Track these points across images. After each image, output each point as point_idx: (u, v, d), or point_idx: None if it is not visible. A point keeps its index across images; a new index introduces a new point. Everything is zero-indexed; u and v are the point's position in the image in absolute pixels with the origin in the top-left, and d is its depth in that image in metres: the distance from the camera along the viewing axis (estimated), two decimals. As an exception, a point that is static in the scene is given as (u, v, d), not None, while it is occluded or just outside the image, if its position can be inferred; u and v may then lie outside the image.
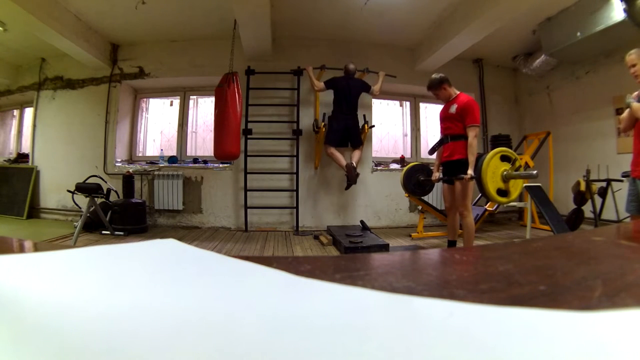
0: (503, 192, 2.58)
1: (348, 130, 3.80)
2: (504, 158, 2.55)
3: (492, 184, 2.50)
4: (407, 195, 3.63)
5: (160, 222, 4.31)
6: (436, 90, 2.64)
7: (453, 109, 2.56)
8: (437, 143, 2.81)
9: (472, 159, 2.47)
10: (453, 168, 2.58)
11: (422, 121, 5.02)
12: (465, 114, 2.50)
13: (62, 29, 3.56)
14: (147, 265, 0.22)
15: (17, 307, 0.15)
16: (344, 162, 3.68)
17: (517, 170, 2.55)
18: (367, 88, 3.86)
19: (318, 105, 4.21)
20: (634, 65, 2.04)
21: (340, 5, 3.61)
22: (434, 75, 2.67)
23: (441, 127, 2.75)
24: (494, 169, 2.50)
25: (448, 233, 2.91)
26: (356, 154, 3.78)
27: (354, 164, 3.63)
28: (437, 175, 2.81)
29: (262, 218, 4.24)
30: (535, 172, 2.46)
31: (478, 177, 2.47)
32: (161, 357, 0.12)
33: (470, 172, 2.44)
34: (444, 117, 2.67)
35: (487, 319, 0.15)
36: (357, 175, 3.65)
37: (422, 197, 3.63)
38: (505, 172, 2.52)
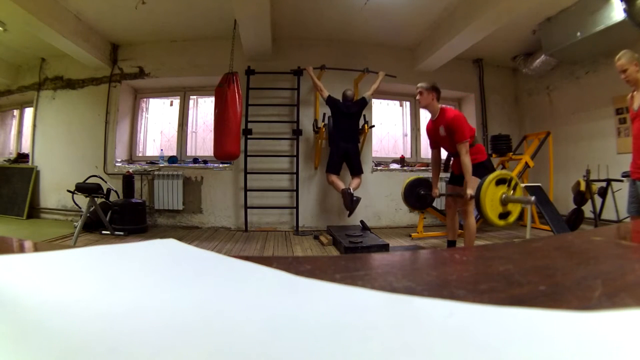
0: (504, 215, 2.53)
1: (348, 156, 3.69)
2: (500, 182, 2.48)
3: (493, 211, 2.44)
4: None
5: (160, 222, 4.31)
6: (425, 91, 2.54)
7: (442, 130, 2.55)
8: (447, 158, 2.83)
9: (468, 178, 2.46)
10: (460, 177, 2.60)
11: (422, 121, 5.02)
12: (452, 132, 2.48)
13: (62, 29, 3.56)
14: (147, 265, 0.22)
15: (17, 307, 0.15)
16: (340, 187, 3.56)
17: (514, 187, 2.51)
18: (364, 104, 3.77)
19: (318, 105, 4.21)
20: (624, 70, 2.03)
21: (340, 6, 3.61)
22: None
23: (431, 142, 2.77)
24: (492, 196, 2.44)
25: (448, 233, 2.91)
26: (355, 182, 3.64)
27: (351, 190, 3.48)
28: (436, 192, 2.85)
29: (262, 218, 4.24)
30: (533, 197, 2.42)
31: (477, 201, 2.43)
32: (161, 357, 0.12)
33: (469, 191, 2.43)
34: (436, 139, 2.67)
35: (487, 319, 0.15)
36: (356, 201, 3.46)
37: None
38: (504, 196, 2.47)
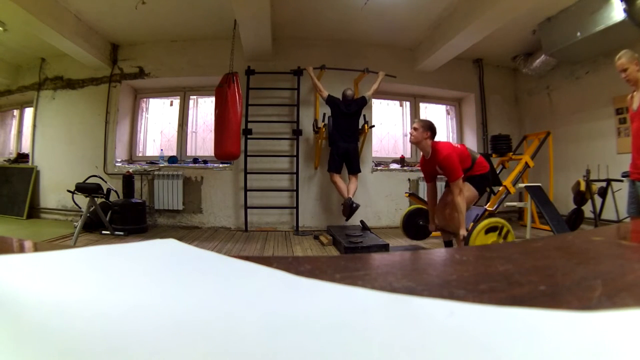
0: None
1: (348, 155, 3.73)
2: (491, 230, 2.42)
3: None
4: (407, 194, 3.63)
5: (160, 222, 4.31)
6: (421, 128, 2.56)
7: (438, 169, 2.58)
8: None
9: (461, 218, 2.45)
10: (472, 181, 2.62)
11: (422, 121, 5.02)
12: (445, 171, 2.51)
13: (62, 29, 3.56)
14: (147, 265, 0.22)
15: (17, 307, 0.15)
16: (344, 194, 3.62)
17: (505, 236, 2.47)
18: (364, 103, 3.80)
19: (318, 105, 4.20)
20: (624, 70, 2.03)
21: (340, 6, 3.60)
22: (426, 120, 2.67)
23: (426, 177, 2.80)
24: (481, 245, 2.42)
25: (441, 234, 2.91)
26: (352, 185, 3.69)
27: (351, 198, 3.56)
28: (433, 226, 2.87)
29: (262, 218, 4.24)
30: None
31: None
32: (161, 357, 0.12)
33: (462, 231, 2.42)
34: (433, 174, 2.69)
35: (487, 319, 0.15)
36: (355, 208, 3.55)
37: (423, 197, 3.63)
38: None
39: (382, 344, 0.13)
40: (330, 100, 3.74)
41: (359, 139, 3.91)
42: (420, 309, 0.16)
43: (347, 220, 3.71)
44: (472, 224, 3.32)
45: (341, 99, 3.75)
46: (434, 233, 3.81)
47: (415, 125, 2.57)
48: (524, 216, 4.23)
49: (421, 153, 2.69)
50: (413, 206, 3.27)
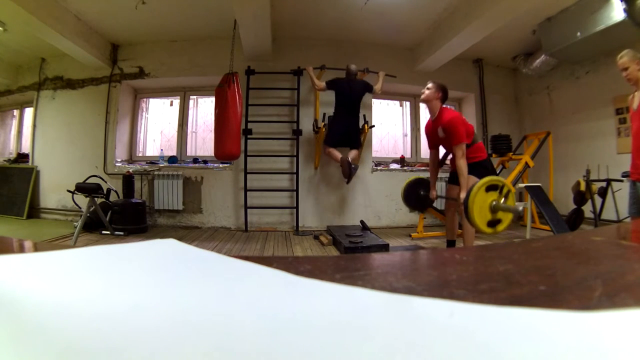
0: (493, 222, 2.38)
1: (348, 132, 3.75)
2: (491, 188, 2.36)
3: (481, 218, 2.30)
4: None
5: (160, 222, 4.31)
6: (434, 87, 2.55)
7: (440, 132, 2.56)
8: (444, 155, 2.82)
9: (462, 181, 2.44)
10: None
11: (422, 121, 5.02)
12: (449, 134, 2.49)
13: (62, 29, 3.56)
14: (147, 265, 0.22)
15: (17, 307, 0.15)
16: (339, 156, 3.65)
17: (506, 195, 2.42)
18: (369, 88, 3.82)
19: (318, 105, 4.21)
20: (625, 69, 2.04)
21: (340, 5, 3.61)
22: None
23: (429, 143, 2.78)
24: (481, 203, 2.30)
25: (446, 233, 2.91)
26: (353, 153, 3.72)
27: (349, 159, 3.58)
28: (434, 193, 2.87)
29: (262, 218, 4.24)
30: (520, 208, 2.33)
31: (465, 207, 2.31)
32: (161, 357, 0.12)
33: (463, 195, 2.40)
34: (435, 140, 2.66)
35: (487, 319, 0.15)
36: (354, 169, 3.57)
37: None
38: (494, 203, 2.33)
39: (382, 344, 0.13)
40: (331, 84, 3.76)
41: (359, 118, 3.92)
42: (420, 309, 0.16)
43: (348, 182, 3.74)
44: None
45: (345, 74, 3.76)
46: (434, 233, 3.83)
47: (429, 85, 2.58)
48: (524, 216, 4.24)
49: (428, 117, 2.68)
50: (413, 177, 3.25)
